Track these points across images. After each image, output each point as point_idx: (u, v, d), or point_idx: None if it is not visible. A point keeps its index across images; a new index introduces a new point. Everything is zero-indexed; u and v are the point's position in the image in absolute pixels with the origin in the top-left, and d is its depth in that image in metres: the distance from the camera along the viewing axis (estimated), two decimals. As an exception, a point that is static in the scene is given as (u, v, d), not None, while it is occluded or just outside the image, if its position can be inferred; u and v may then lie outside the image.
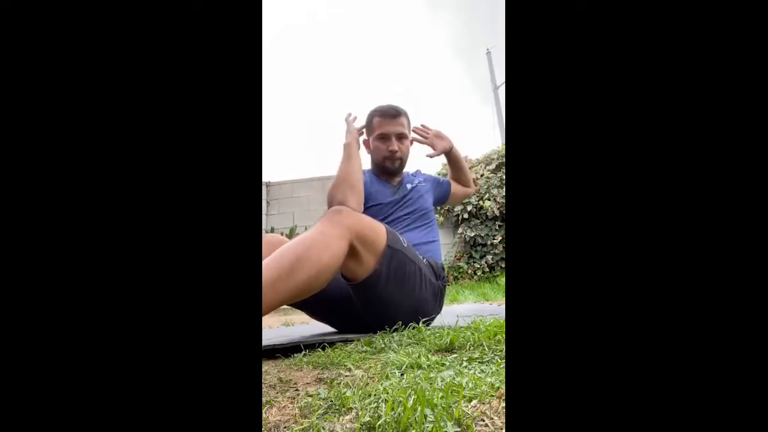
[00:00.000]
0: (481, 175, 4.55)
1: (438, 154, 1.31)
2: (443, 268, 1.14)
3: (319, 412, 0.41)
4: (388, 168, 1.23)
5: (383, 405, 0.40)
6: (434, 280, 1.06)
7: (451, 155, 1.38)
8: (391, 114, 1.21)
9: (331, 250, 0.81)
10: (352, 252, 0.87)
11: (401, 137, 1.22)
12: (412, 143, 1.31)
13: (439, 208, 4.57)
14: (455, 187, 1.46)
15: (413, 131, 1.32)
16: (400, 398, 0.39)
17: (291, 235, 4.39)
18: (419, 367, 0.55)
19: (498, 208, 4.26)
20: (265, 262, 0.77)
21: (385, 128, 1.21)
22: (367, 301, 0.96)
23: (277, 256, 0.78)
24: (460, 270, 4.34)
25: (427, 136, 1.33)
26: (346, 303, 1.01)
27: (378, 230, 0.92)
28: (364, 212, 1.09)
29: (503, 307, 1.76)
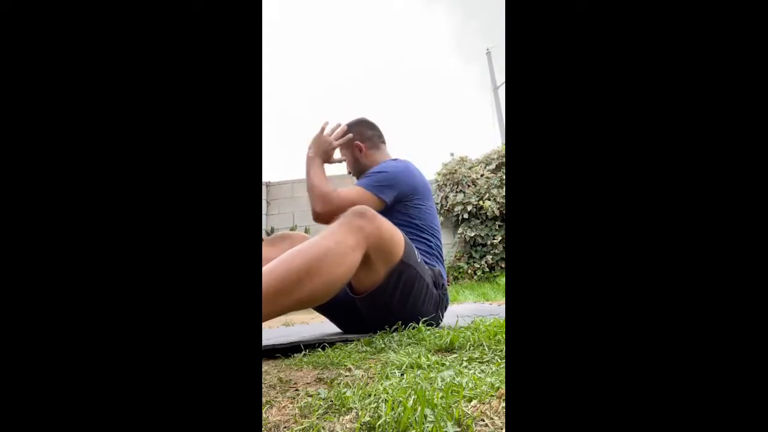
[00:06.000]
0: (481, 175, 4.55)
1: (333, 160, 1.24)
2: (443, 276, 1.09)
3: (319, 412, 0.41)
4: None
5: (383, 405, 0.40)
6: (435, 290, 1.03)
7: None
8: None
9: (345, 264, 0.76)
10: (365, 261, 0.83)
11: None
12: (361, 149, 1.27)
13: (439, 208, 4.57)
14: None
15: None
16: (400, 398, 0.39)
17: (291, 235, 4.38)
18: (419, 367, 0.55)
19: (498, 208, 4.26)
20: (272, 265, 0.72)
21: None
22: (370, 310, 0.95)
23: (285, 263, 0.72)
24: (460, 270, 4.34)
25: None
26: (352, 305, 1.00)
27: (397, 242, 0.89)
28: None
29: (503, 307, 1.76)
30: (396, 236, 0.89)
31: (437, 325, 1.04)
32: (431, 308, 1.01)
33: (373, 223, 0.82)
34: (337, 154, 1.25)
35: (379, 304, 0.92)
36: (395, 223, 1.08)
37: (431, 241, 1.15)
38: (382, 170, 1.13)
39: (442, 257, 1.17)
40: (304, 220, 4.95)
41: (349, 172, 1.32)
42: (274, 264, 0.73)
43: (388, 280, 0.88)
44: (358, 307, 0.98)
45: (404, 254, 0.91)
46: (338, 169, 1.38)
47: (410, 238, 1.10)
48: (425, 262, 1.09)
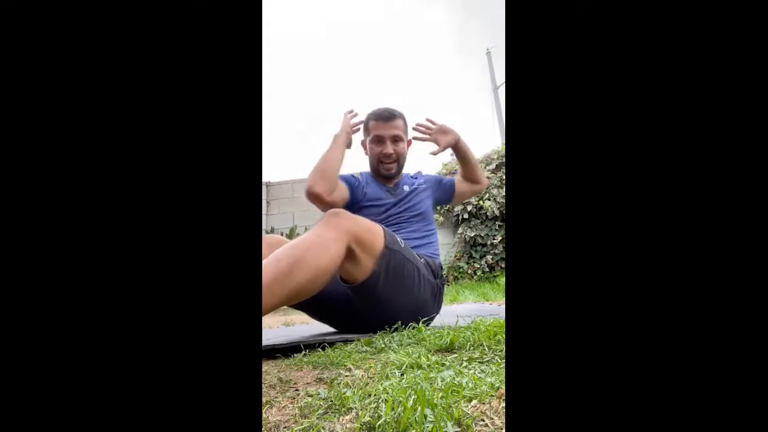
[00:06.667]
0: (481, 175, 4.55)
1: (442, 150, 1.25)
2: (441, 267, 1.14)
3: (319, 412, 0.41)
4: (383, 171, 1.25)
5: (383, 405, 0.40)
6: (432, 279, 1.06)
7: (458, 150, 1.30)
8: (385, 117, 1.23)
9: (329, 253, 0.81)
10: (350, 254, 0.87)
11: (396, 139, 1.23)
12: (410, 144, 1.31)
13: (438, 207, 4.56)
14: (462, 185, 1.37)
15: (415, 128, 1.29)
16: (400, 398, 0.39)
17: (291, 235, 4.39)
18: (419, 367, 0.55)
19: (498, 208, 4.25)
20: (264, 263, 0.76)
21: (380, 131, 1.22)
22: (367, 303, 0.96)
23: (274, 258, 0.77)
24: (460, 270, 4.34)
25: (430, 133, 1.28)
26: (345, 303, 1.01)
27: (375, 232, 0.92)
28: (357, 212, 1.10)
29: (503, 307, 1.76)
30: (374, 227, 0.93)
31: (437, 311, 1.09)
32: (428, 296, 1.03)
33: (348, 219, 0.87)
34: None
35: (373, 294, 0.93)
36: (428, 219, 1.22)
37: (435, 235, 1.24)
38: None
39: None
40: (304, 220, 4.95)
41: (386, 165, 1.24)
42: (267, 260, 0.78)
43: (378, 268, 0.91)
44: (354, 305, 0.98)
45: (386, 241, 0.94)
46: (344, 168, 1.35)
47: (431, 233, 1.21)
48: (431, 257, 1.14)
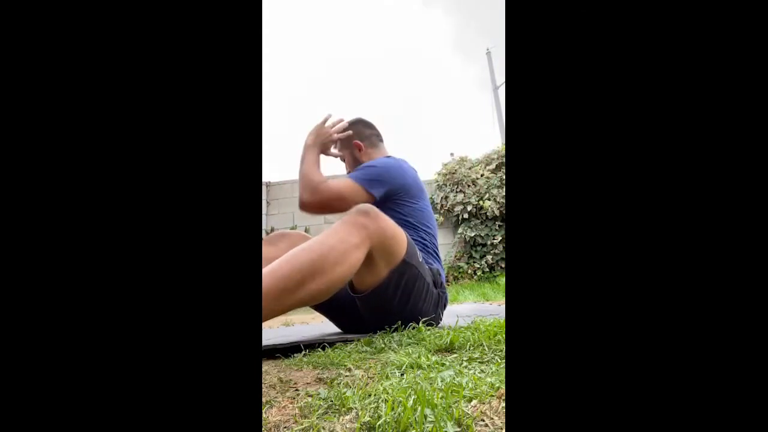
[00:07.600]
0: (481, 175, 4.55)
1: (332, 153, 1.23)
2: (441, 274, 1.09)
3: (319, 412, 0.41)
4: None
5: (383, 405, 0.40)
6: (434, 289, 1.03)
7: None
8: None
9: (349, 263, 0.76)
10: (367, 260, 0.83)
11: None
12: (360, 148, 1.27)
13: (439, 208, 4.56)
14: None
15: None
16: (400, 398, 0.39)
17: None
18: (419, 367, 0.55)
19: (498, 208, 4.26)
20: (275, 264, 0.72)
21: None
22: (370, 310, 0.94)
23: (288, 262, 0.72)
24: (460, 270, 4.34)
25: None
26: (352, 304, 1.00)
27: (400, 241, 0.88)
28: None
29: (503, 307, 1.76)
30: (399, 236, 0.89)
31: (437, 324, 1.03)
32: (431, 308, 1.00)
33: (376, 222, 0.82)
34: (334, 149, 1.25)
35: (380, 303, 0.91)
36: None
37: (426, 239, 1.13)
38: (373, 165, 1.10)
39: (438, 255, 1.15)
40: (304, 220, 4.95)
41: (349, 172, 1.29)
42: (278, 263, 0.73)
43: (390, 279, 0.88)
44: (358, 307, 0.98)
45: (407, 254, 0.90)
46: (338, 168, 1.36)
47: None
48: (427, 261, 1.09)
